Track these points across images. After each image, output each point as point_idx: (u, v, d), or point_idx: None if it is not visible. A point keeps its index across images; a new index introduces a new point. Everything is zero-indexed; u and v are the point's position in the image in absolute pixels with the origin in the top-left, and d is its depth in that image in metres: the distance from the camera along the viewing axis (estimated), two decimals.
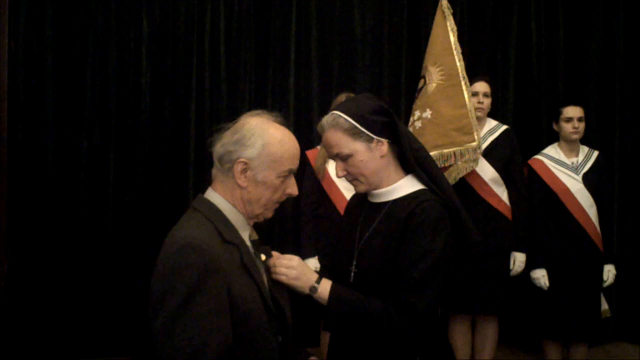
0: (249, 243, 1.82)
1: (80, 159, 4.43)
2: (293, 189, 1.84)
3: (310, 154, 3.97)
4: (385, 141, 2.00)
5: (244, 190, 1.77)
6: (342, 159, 1.99)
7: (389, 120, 2.01)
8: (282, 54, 4.74)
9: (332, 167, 3.85)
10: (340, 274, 2.05)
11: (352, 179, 2.03)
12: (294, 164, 1.81)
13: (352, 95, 3.82)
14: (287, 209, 4.54)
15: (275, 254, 1.93)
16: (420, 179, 2.04)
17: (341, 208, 3.79)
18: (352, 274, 2.02)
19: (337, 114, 1.99)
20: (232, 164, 1.75)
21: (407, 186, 2.03)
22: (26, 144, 4.33)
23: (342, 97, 3.83)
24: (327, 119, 2.01)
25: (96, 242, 4.41)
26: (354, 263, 2.02)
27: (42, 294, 4.30)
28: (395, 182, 2.04)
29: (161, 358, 1.61)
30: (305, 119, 4.73)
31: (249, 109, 4.57)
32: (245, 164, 1.74)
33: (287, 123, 1.85)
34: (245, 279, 1.72)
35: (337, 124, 1.97)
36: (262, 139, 1.75)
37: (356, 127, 1.96)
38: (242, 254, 1.74)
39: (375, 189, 2.05)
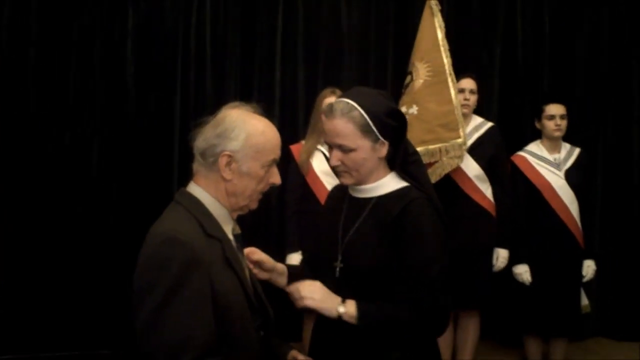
0: (231, 237, 1.82)
1: (64, 153, 4.38)
2: (276, 178, 1.85)
3: (294, 148, 3.97)
4: (387, 143, 1.97)
5: (229, 182, 1.76)
6: (343, 150, 1.94)
7: (399, 124, 2.00)
8: (267, 49, 4.72)
9: (316, 161, 3.85)
10: (323, 269, 2.04)
11: (343, 170, 1.99)
12: (277, 153, 1.82)
13: (337, 90, 3.83)
14: (271, 203, 4.53)
15: (294, 285, 1.92)
16: (402, 177, 2.03)
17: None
18: (337, 269, 1.99)
19: (353, 105, 1.93)
20: (216, 157, 1.74)
21: (392, 183, 2.02)
22: (8, 138, 4.27)
23: (327, 92, 3.85)
24: (340, 106, 1.94)
25: (79, 235, 4.37)
26: (339, 258, 2.00)
27: (21, 287, 4.26)
28: (380, 178, 2.02)
29: (143, 351, 1.61)
30: (291, 113, 4.72)
31: (234, 101, 4.61)
32: (230, 156, 1.74)
33: (264, 113, 1.85)
34: (227, 272, 1.72)
35: (351, 116, 1.92)
36: (244, 131, 1.75)
37: (368, 125, 1.92)
38: (224, 247, 1.74)
39: (359, 184, 2.04)
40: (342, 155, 1.95)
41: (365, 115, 1.92)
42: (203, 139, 1.77)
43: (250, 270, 1.90)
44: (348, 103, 1.94)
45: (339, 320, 1.88)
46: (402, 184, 2.02)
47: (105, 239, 4.40)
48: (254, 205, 1.85)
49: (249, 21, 4.70)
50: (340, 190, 2.17)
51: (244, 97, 4.61)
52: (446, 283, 1.89)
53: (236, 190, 1.78)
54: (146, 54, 4.53)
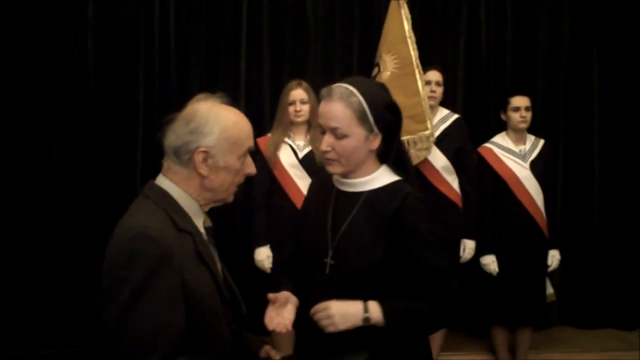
0: (202, 230, 1.78)
1: (23, 145, 4.28)
2: (251, 167, 1.82)
3: (261, 141, 3.93)
4: (380, 136, 1.94)
5: (206, 178, 1.73)
6: (336, 135, 1.91)
7: (395, 119, 1.97)
8: (232, 39, 4.66)
9: (283, 154, 3.82)
10: (312, 264, 2.00)
11: (332, 157, 1.94)
12: (250, 142, 1.80)
13: (304, 82, 3.81)
14: (237, 196, 4.48)
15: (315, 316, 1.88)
16: (394, 170, 2.01)
17: (293, 196, 3.77)
18: (328, 266, 1.96)
19: (353, 91, 1.91)
20: (191, 154, 1.70)
21: (383, 177, 1.99)
22: None
23: (294, 84, 3.83)
24: (340, 90, 1.92)
25: (43, 233, 4.28)
26: (330, 254, 1.96)
27: None
28: (371, 172, 1.99)
29: (113, 348, 1.58)
30: (256, 105, 4.67)
31: (199, 93, 4.56)
32: (206, 152, 1.70)
33: (231, 102, 1.81)
34: (199, 267, 1.70)
35: (349, 101, 1.89)
36: (218, 124, 1.71)
37: (366, 113, 1.90)
38: (195, 242, 1.71)
39: (346, 175, 1.99)
40: (334, 141, 1.92)
41: (364, 103, 1.90)
42: (175, 136, 1.72)
43: (222, 264, 1.86)
44: (348, 88, 1.91)
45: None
46: (394, 177, 1.99)
47: (70, 235, 4.31)
48: (231, 198, 1.82)
49: (214, 11, 4.63)
50: (324, 182, 2.11)
51: (209, 87, 4.53)
52: (452, 270, 1.94)
53: (213, 185, 1.74)
54: (107, 44, 4.44)
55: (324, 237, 1.99)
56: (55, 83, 4.34)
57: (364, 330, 1.86)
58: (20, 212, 4.26)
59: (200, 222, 1.78)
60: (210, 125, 1.70)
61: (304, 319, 2.03)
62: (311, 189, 2.24)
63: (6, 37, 4.25)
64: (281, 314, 1.97)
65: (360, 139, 1.91)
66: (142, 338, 1.55)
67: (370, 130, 1.92)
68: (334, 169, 1.98)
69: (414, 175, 2.05)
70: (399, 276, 1.89)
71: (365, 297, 1.86)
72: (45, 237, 4.28)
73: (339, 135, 1.91)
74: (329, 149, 1.94)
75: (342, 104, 1.90)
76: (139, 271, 1.56)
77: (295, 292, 2.06)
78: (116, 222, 1.72)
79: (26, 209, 4.27)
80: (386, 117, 1.93)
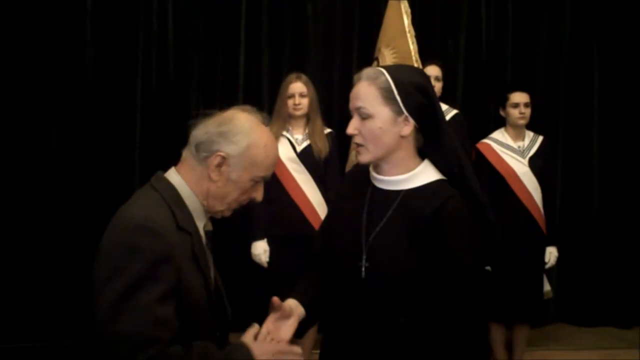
0: (202, 232, 1.76)
1: (21, 138, 4.28)
2: (259, 194, 1.78)
3: None
4: (412, 122, 1.81)
5: (214, 183, 1.70)
6: (362, 116, 1.81)
7: (428, 103, 1.84)
8: (231, 31, 4.65)
9: (281, 147, 3.80)
10: (346, 267, 1.88)
11: (360, 142, 1.83)
12: (269, 172, 1.75)
13: (303, 75, 3.80)
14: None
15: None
16: (437, 167, 1.88)
17: (291, 190, 3.77)
18: (364, 269, 1.84)
19: (381, 71, 1.83)
20: (210, 154, 1.68)
21: (422, 174, 1.86)
22: None
23: (293, 78, 3.81)
24: (368, 70, 1.85)
25: (36, 225, 4.27)
26: (364, 257, 1.85)
27: None
28: (411, 170, 1.86)
29: (103, 341, 1.54)
30: (255, 97, 4.65)
31: (197, 86, 4.57)
32: (224, 158, 1.67)
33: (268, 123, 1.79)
34: (193, 269, 1.67)
35: (375, 79, 1.81)
36: (248, 139, 1.67)
37: (392, 91, 1.79)
38: (193, 242, 1.68)
39: (382, 171, 1.89)
40: (359, 123, 1.82)
41: (391, 81, 1.80)
42: (204, 131, 1.69)
43: (215, 269, 1.84)
44: (377, 69, 1.85)
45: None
46: (435, 176, 1.86)
47: (64, 227, 4.30)
48: (228, 214, 1.78)
49: (212, 4, 4.63)
50: (361, 177, 1.98)
51: (207, 79, 4.57)
52: (479, 294, 1.78)
53: (218, 193, 1.71)
54: (105, 35, 4.43)
55: (359, 238, 1.87)
56: (53, 75, 4.33)
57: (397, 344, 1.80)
58: (17, 206, 4.25)
59: (202, 224, 1.75)
60: (241, 137, 1.67)
61: (333, 328, 1.97)
62: (347, 182, 2.12)
63: (3, 29, 4.24)
64: (279, 330, 1.84)
65: (386, 119, 1.80)
66: (135, 334, 1.51)
67: (399, 112, 1.80)
68: (362, 156, 1.86)
69: (467, 175, 1.88)
70: (432, 285, 1.78)
71: (401, 305, 1.79)
72: (41, 230, 4.28)
73: (363, 114, 1.81)
74: (355, 132, 1.84)
75: (367, 83, 1.82)
76: (138, 265, 1.53)
77: (307, 300, 1.94)
78: (111, 216, 1.70)
79: (23, 203, 4.26)
80: (416, 98, 1.81)
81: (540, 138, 4.15)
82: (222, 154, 1.67)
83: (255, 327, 1.81)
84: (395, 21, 3.86)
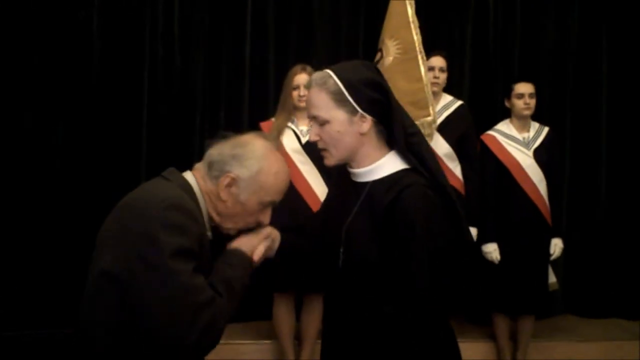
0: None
1: (27, 132, 4.30)
2: (266, 218, 1.84)
3: (264, 125, 3.93)
4: (369, 118, 1.82)
5: (222, 203, 1.76)
6: (319, 123, 1.82)
7: (381, 97, 1.84)
8: (237, 24, 4.65)
9: (286, 139, 3.82)
10: (330, 255, 1.93)
11: (323, 147, 1.86)
12: (278, 198, 1.82)
13: (308, 67, 3.80)
14: None
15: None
16: (404, 157, 1.87)
17: (296, 181, 3.76)
18: (341, 258, 1.89)
19: (328, 73, 1.82)
20: (221, 174, 1.74)
21: (387, 165, 1.87)
22: None
23: (298, 69, 3.80)
24: (316, 75, 1.85)
25: (42, 216, 4.29)
26: (341, 248, 1.89)
27: None
28: (376, 160, 1.87)
29: (141, 314, 1.57)
30: (261, 90, 4.67)
31: (203, 78, 4.57)
32: (234, 179, 1.73)
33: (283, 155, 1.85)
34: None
35: (324, 84, 1.80)
36: (259, 164, 1.74)
37: (343, 94, 1.79)
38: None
39: (352, 165, 1.91)
40: (319, 129, 1.83)
41: (339, 83, 1.80)
42: (219, 152, 1.76)
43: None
44: (324, 72, 1.84)
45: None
46: (400, 166, 1.86)
47: (72, 220, 4.31)
48: (232, 232, 1.84)
49: None
50: (344, 170, 1.99)
51: (213, 72, 4.57)
52: (435, 288, 1.75)
53: (226, 212, 1.77)
54: (112, 29, 4.44)
55: (339, 229, 1.91)
56: (60, 69, 4.35)
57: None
58: (25, 201, 4.27)
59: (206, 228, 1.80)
60: (253, 162, 1.74)
61: (327, 316, 2.02)
62: (334, 177, 2.17)
63: (10, 24, 4.26)
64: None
65: (342, 122, 1.81)
66: (188, 304, 1.56)
67: (353, 112, 1.81)
68: (327, 160, 1.89)
69: (430, 160, 1.88)
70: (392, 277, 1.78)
71: (374, 293, 1.80)
72: (47, 220, 4.30)
73: (320, 122, 1.82)
74: (317, 138, 1.85)
75: (318, 90, 1.82)
76: (178, 241, 1.57)
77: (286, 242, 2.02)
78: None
79: (31, 197, 4.28)
80: (369, 95, 1.81)
81: (546, 129, 4.14)
82: (232, 175, 1.73)
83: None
84: (399, 12, 3.84)
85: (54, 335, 4.16)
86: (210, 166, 1.76)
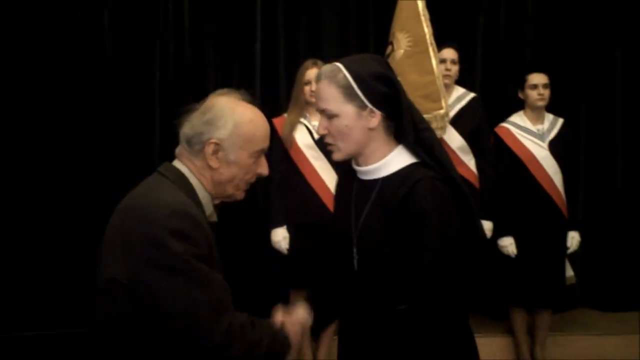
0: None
1: (39, 129, 4.32)
2: (264, 168, 1.81)
3: (277, 121, 3.91)
4: (378, 113, 1.81)
5: (215, 171, 1.73)
6: (328, 116, 1.82)
7: (391, 92, 1.82)
8: (247, 18, 4.64)
9: (299, 135, 3.81)
10: (343, 261, 1.92)
11: (331, 141, 1.85)
12: (265, 143, 1.78)
13: (319, 61, 3.78)
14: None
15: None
16: (412, 151, 1.85)
17: (309, 177, 3.77)
18: (355, 261, 1.88)
19: (337, 67, 1.81)
20: (203, 145, 1.71)
21: (396, 160, 1.85)
22: None
23: (309, 64, 3.79)
24: (326, 68, 1.84)
25: (59, 213, 4.31)
26: (355, 250, 1.88)
27: None
28: (385, 156, 1.85)
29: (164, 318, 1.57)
30: (272, 86, 4.66)
31: (214, 74, 4.57)
32: (217, 144, 1.70)
33: (253, 100, 1.80)
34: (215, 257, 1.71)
35: (334, 77, 1.80)
36: (232, 119, 1.71)
37: (352, 88, 1.78)
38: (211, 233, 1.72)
39: (360, 162, 1.90)
40: (327, 123, 1.83)
41: (349, 77, 1.79)
42: (190, 126, 1.73)
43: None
44: (334, 65, 1.84)
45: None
46: (409, 160, 1.84)
47: (84, 215, 4.30)
48: (240, 195, 1.81)
49: None
50: (349, 174, 1.98)
51: (224, 68, 4.58)
52: (450, 280, 1.73)
53: (222, 178, 1.74)
54: (123, 24, 4.45)
55: (350, 230, 1.90)
56: (72, 65, 4.35)
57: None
58: (36, 193, 4.29)
59: (208, 214, 1.78)
60: (225, 119, 1.71)
61: (343, 318, 2.01)
62: (338, 180, 2.14)
63: (23, 21, 4.27)
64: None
65: (351, 116, 1.80)
66: (212, 303, 1.57)
67: (362, 106, 1.80)
68: (335, 155, 1.87)
69: (440, 153, 1.86)
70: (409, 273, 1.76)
71: (389, 291, 1.80)
72: (54, 217, 4.31)
73: (329, 115, 1.81)
74: (325, 131, 1.85)
75: (327, 83, 1.81)
76: (183, 245, 1.56)
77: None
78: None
79: (45, 194, 4.30)
80: (378, 89, 1.80)
81: (560, 121, 4.10)
82: (213, 140, 1.70)
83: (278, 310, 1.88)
84: (409, 5, 3.81)
85: (56, 335, 4.19)
86: (189, 143, 1.73)
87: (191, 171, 1.74)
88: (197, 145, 1.72)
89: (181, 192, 1.69)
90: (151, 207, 1.61)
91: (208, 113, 1.72)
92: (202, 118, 1.72)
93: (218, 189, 1.76)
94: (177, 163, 1.76)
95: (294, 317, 1.84)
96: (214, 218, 1.81)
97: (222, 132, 1.70)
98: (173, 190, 1.68)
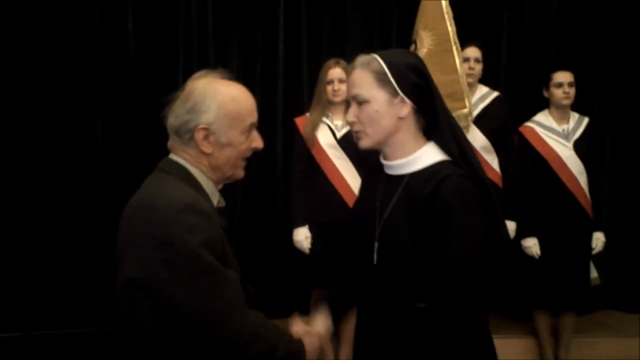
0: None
1: (66, 130, 4.37)
2: (257, 141, 1.80)
3: (299, 121, 3.92)
4: (409, 103, 1.82)
5: (210, 156, 1.72)
6: (359, 101, 1.83)
7: (423, 83, 1.84)
8: (270, 19, 4.66)
9: (321, 134, 3.81)
10: (363, 256, 1.92)
11: (359, 128, 1.86)
12: (254, 117, 1.77)
13: (342, 61, 3.78)
14: (277, 176, 4.53)
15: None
16: (443, 148, 1.86)
17: (331, 176, 3.77)
18: (375, 256, 1.87)
19: (373, 56, 1.85)
20: (192, 132, 1.69)
21: (426, 156, 1.85)
22: (7, 116, 4.26)
23: (332, 63, 3.79)
24: (361, 57, 1.87)
25: (52, 211, 4.34)
26: (376, 244, 1.88)
27: (7, 265, 4.26)
28: (414, 151, 1.85)
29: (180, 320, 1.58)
30: (295, 86, 4.68)
31: (237, 74, 4.59)
32: (206, 129, 1.69)
33: (232, 77, 1.78)
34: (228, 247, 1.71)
35: (368, 64, 1.83)
36: (215, 101, 1.69)
37: (385, 74, 1.80)
38: (221, 221, 1.72)
39: (388, 157, 1.90)
40: (358, 110, 1.84)
41: (383, 64, 1.82)
42: (175, 116, 1.71)
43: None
44: (369, 55, 1.87)
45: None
46: (438, 157, 1.84)
47: (84, 215, 4.35)
48: (240, 173, 1.81)
49: None
50: (376, 166, 1.99)
51: (247, 67, 4.61)
52: (477, 281, 1.73)
53: (219, 162, 1.73)
54: (147, 24, 4.49)
55: (373, 224, 1.90)
56: (97, 67, 4.39)
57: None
58: (36, 193, 4.32)
59: (215, 201, 1.77)
60: (208, 102, 1.68)
61: (360, 312, 2.02)
62: (365, 175, 2.15)
63: (48, 23, 4.33)
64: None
65: (382, 102, 1.81)
66: (230, 300, 1.60)
67: (394, 94, 1.81)
68: (362, 142, 1.87)
69: (468, 152, 1.87)
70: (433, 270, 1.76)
71: (409, 289, 1.79)
72: (76, 219, 4.35)
73: (359, 100, 1.83)
74: (355, 119, 1.85)
75: (361, 69, 1.84)
76: (198, 241, 1.56)
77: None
78: None
79: (42, 190, 4.33)
80: (411, 78, 1.82)
81: (586, 120, 4.05)
82: (202, 126, 1.69)
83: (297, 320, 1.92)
84: (433, 3, 3.80)
85: (64, 334, 4.21)
86: (178, 134, 1.71)
87: (188, 162, 1.72)
88: (186, 134, 1.70)
89: (186, 185, 1.68)
90: (160, 205, 1.60)
91: (189, 100, 1.70)
92: (185, 106, 1.70)
93: (218, 173, 1.75)
94: (173, 156, 1.75)
95: (313, 330, 1.87)
96: (222, 203, 1.81)
97: (208, 116, 1.68)
98: (178, 185, 1.67)
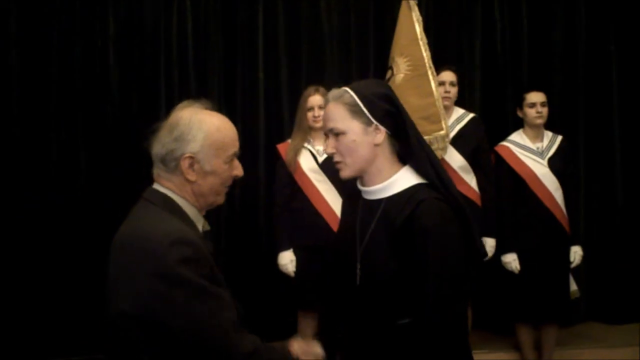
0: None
1: (50, 158, 4.42)
2: (238, 169, 1.85)
3: (281, 147, 3.99)
4: (383, 130, 1.91)
5: (194, 184, 1.76)
6: (335, 134, 1.91)
7: (394, 110, 1.93)
8: (250, 48, 4.74)
9: (303, 159, 3.87)
10: (346, 273, 1.99)
11: (339, 159, 1.94)
12: (236, 146, 1.82)
13: (321, 88, 3.86)
14: (260, 201, 4.56)
15: None
16: (418, 171, 1.94)
17: (314, 200, 3.82)
18: (358, 277, 1.94)
19: (344, 89, 1.93)
20: (177, 161, 1.74)
21: (401, 180, 1.93)
22: None
23: (311, 90, 3.86)
24: (333, 92, 1.95)
25: (68, 240, 4.38)
26: (358, 266, 1.95)
27: (12, 294, 4.27)
28: (390, 176, 1.94)
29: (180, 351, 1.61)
30: (275, 113, 4.75)
31: (219, 104, 4.64)
32: (192, 158, 1.74)
33: (214, 107, 1.84)
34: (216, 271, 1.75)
35: (340, 98, 1.91)
36: (201, 131, 1.74)
37: (357, 105, 1.88)
38: (208, 245, 1.76)
39: (365, 182, 1.98)
40: (335, 142, 1.92)
41: (355, 96, 1.89)
42: (161, 145, 1.75)
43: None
44: (340, 88, 1.95)
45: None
46: (414, 181, 1.93)
47: (92, 243, 4.33)
48: (221, 200, 1.85)
49: (230, 21, 4.72)
50: (354, 195, 2.06)
51: (228, 97, 4.66)
52: (457, 298, 1.81)
53: (202, 190, 1.78)
54: (128, 57, 4.55)
55: (354, 248, 1.97)
56: (79, 96, 4.46)
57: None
58: (46, 221, 4.37)
59: (200, 226, 1.82)
60: (194, 132, 1.73)
61: (344, 337, 2.06)
62: (344, 199, 2.23)
63: (27, 51, 4.40)
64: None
65: (357, 132, 1.89)
66: (229, 323, 1.65)
67: (368, 123, 1.90)
68: (342, 172, 1.95)
69: (442, 174, 1.95)
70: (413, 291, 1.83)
71: (392, 308, 1.86)
72: (74, 245, 4.37)
73: (336, 133, 1.91)
74: (333, 150, 1.93)
75: (334, 103, 1.92)
76: (191, 273, 1.61)
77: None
78: None
79: (49, 218, 4.38)
80: (383, 106, 1.91)
81: (559, 138, 4.16)
82: (188, 155, 1.73)
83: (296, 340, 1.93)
84: (407, 29, 3.89)
85: None
86: (164, 162, 1.75)
87: (173, 191, 1.77)
88: (172, 163, 1.74)
89: (172, 216, 1.72)
90: (150, 239, 1.63)
91: (176, 129, 1.73)
92: (171, 135, 1.73)
93: (201, 200, 1.80)
94: (158, 186, 1.79)
95: (310, 349, 1.90)
96: (207, 227, 1.86)
97: (193, 146, 1.72)
98: (165, 216, 1.71)
